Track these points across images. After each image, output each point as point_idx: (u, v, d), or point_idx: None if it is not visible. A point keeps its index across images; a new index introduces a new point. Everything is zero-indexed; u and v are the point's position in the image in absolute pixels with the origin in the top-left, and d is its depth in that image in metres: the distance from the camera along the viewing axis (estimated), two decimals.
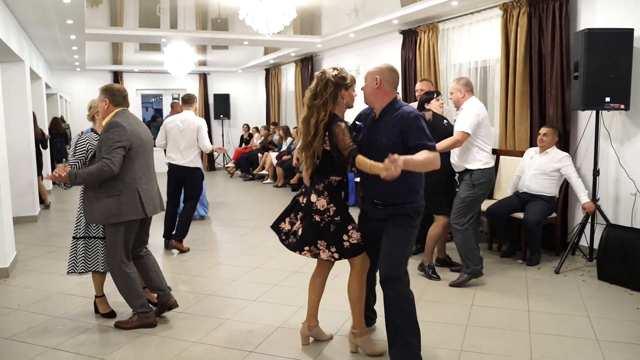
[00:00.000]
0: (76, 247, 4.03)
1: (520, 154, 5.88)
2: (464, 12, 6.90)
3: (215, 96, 14.76)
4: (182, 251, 6.06)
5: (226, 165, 14.20)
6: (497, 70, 6.51)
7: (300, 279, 4.84)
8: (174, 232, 6.12)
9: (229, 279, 5.07)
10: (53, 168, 9.25)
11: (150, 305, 3.98)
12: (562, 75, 5.54)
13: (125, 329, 3.80)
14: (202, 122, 6.11)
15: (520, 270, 5.14)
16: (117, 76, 13.89)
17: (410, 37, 7.93)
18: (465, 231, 4.63)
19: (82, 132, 4.12)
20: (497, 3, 6.27)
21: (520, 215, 5.37)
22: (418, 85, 5.92)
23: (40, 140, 8.90)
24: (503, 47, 6.20)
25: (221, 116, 14.73)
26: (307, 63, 11.45)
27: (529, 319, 3.93)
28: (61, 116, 13.09)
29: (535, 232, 5.23)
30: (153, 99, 20.92)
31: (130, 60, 13.30)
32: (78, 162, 3.83)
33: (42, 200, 9.29)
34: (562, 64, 5.53)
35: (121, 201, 3.64)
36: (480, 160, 4.66)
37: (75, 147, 3.88)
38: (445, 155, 4.52)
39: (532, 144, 5.84)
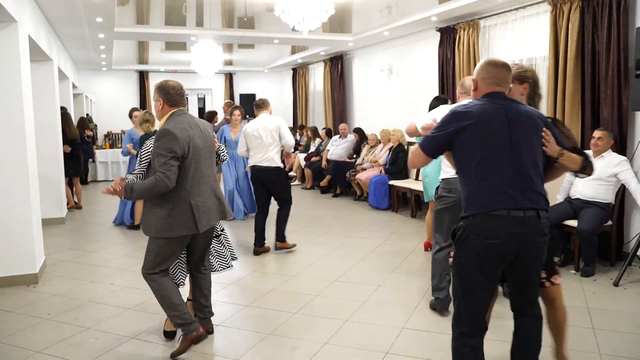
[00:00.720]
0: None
1: None
2: (508, 8, 6.58)
3: (242, 96, 14.59)
4: (289, 248, 6.04)
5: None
6: (544, 68, 6.18)
7: (390, 280, 4.60)
8: (275, 237, 6.05)
9: (320, 279, 4.90)
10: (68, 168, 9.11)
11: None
12: (619, 74, 5.20)
13: (180, 353, 3.40)
14: (281, 120, 6.10)
15: (575, 282, 4.81)
16: (143, 76, 13.79)
17: (448, 34, 7.62)
18: None
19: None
20: None
21: (573, 222, 5.04)
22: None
23: (75, 141, 8.68)
24: (552, 45, 5.86)
25: (247, 116, 14.47)
26: (336, 62, 11.18)
27: (596, 339, 3.60)
28: (88, 115, 13.02)
29: (590, 241, 4.90)
30: None
31: (156, 60, 13.18)
32: (144, 171, 3.44)
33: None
34: (619, 62, 5.18)
35: (172, 214, 3.26)
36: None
37: (142, 154, 3.49)
38: None
39: (584, 147, 5.49)
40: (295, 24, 5.69)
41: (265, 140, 5.84)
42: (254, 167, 5.95)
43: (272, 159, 5.84)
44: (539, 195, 2.45)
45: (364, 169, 9.10)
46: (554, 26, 5.83)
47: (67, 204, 8.89)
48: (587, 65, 5.49)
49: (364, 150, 9.66)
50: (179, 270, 3.71)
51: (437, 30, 7.84)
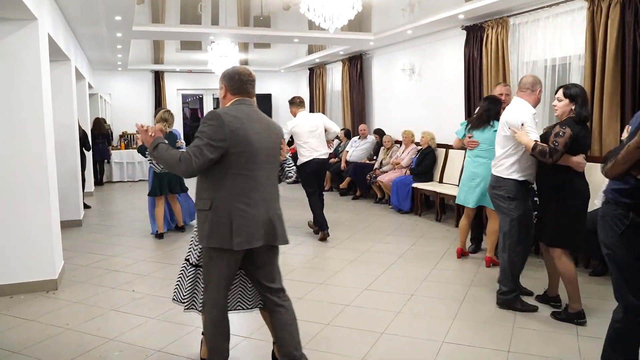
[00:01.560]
0: (185, 273, 3.13)
1: None
2: (539, 5, 6.33)
3: (257, 96, 14.34)
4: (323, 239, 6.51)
5: None
6: (580, 68, 5.94)
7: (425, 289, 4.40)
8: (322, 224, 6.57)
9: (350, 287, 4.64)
10: (95, 169, 9.01)
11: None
12: None
13: None
14: (319, 114, 7.19)
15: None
16: (158, 76, 13.66)
17: (475, 33, 7.38)
18: None
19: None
20: None
21: None
22: (500, 89, 5.36)
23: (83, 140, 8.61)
24: (589, 43, 5.61)
25: None
26: (355, 62, 10.97)
27: None
28: (102, 118, 12.93)
29: None
30: (189, 99, 20.76)
31: (171, 60, 13.03)
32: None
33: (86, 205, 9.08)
34: None
35: (209, 219, 2.73)
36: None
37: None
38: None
39: None
40: (322, 22, 5.48)
41: (321, 134, 6.51)
42: (313, 161, 6.44)
43: (326, 151, 6.60)
44: None
45: (384, 172, 8.88)
46: (591, 23, 5.58)
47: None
48: (628, 65, 5.24)
49: (381, 152, 9.44)
50: (239, 297, 3.10)
51: (462, 29, 7.61)
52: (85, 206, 9.00)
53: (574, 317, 3.87)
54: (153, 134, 2.80)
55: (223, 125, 2.66)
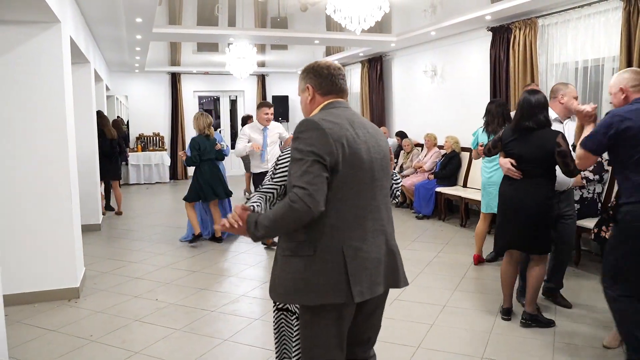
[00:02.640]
0: (278, 320, 2.64)
1: None
2: (570, 5, 6.14)
3: (274, 98, 14.30)
4: None
5: None
6: (613, 70, 5.74)
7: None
8: None
9: None
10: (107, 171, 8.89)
11: None
12: None
13: None
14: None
15: None
16: (175, 78, 13.60)
17: (501, 34, 7.20)
18: None
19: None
20: None
21: None
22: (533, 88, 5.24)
23: (113, 141, 8.47)
24: (624, 44, 5.41)
25: (280, 118, 14.24)
26: (375, 63, 10.81)
27: None
28: (119, 117, 12.90)
29: None
30: (203, 100, 20.70)
31: (188, 62, 12.97)
32: (276, 190, 2.32)
33: (110, 207, 9.03)
34: None
35: (312, 267, 2.00)
36: None
37: (277, 164, 2.37)
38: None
39: None
40: (348, 24, 5.34)
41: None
42: None
43: None
44: None
45: (405, 176, 8.71)
46: (627, 24, 5.37)
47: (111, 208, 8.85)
48: None
49: (401, 156, 9.28)
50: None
51: (488, 30, 7.42)
52: (110, 208, 8.97)
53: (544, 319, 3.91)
54: (241, 222, 2.03)
55: (325, 134, 1.96)
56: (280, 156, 2.37)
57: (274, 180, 2.32)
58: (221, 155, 6.75)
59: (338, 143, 1.97)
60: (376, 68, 10.79)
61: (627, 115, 2.93)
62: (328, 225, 2.00)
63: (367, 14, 5.23)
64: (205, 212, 6.84)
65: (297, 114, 14.42)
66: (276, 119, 14.19)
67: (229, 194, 6.76)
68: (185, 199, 6.58)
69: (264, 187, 2.32)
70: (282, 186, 2.30)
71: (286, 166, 2.24)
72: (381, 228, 2.13)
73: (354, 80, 12.26)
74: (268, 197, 2.29)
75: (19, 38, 4.37)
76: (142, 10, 6.06)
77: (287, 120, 14.42)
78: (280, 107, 14.31)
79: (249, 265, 5.69)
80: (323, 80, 2.19)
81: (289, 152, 2.11)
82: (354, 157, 2.01)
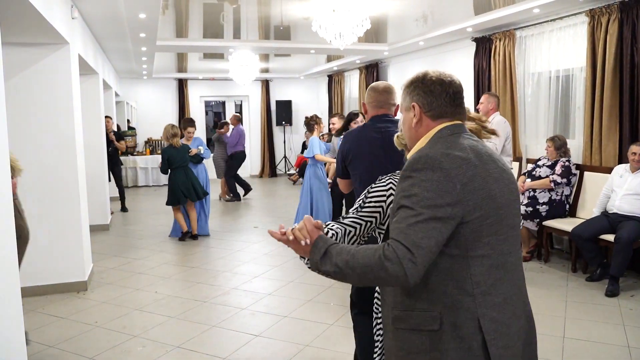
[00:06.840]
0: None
1: (608, 170, 5.51)
2: (544, 18, 6.56)
3: (278, 102, 14.81)
4: None
5: (288, 173, 14.33)
6: (581, 80, 6.15)
7: None
8: None
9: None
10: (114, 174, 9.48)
11: None
12: None
13: None
14: None
15: (612, 298, 4.78)
16: (181, 84, 14.15)
17: (484, 44, 7.63)
18: None
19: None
20: (582, 9, 5.91)
21: (609, 237, 5.01)
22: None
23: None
24: (589, 56, 5.83)
25: (283, 122, 14.77)
26: (372, 70, 11.28)
27: (631, 357, 3.62)
28: (128, 122, 13.49)
29: (626, 250, 4.80)
30: (213, 103, 21.26)
31: (194, 68, 13.52)
32: (362, 224, 1.86)
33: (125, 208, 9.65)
34: None
35: (442, 347, 1.54)
36: None
37: (368, 194, 1.89)
38: None
39: (621, 160, 5.46)
40: (332, 39, 5.81)
41: None
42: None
43: None
44: None
45: None
46: (592, 37, 5.80)
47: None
48: (626, 78, 5.44)
49: None
50: None
51: (472, 40, 7.86)
52: (124, 209, 9.54)
53: None
54: (309, 240, 1.59)
55: (450, 178, 1.49)
56: (374, 186, 1.90)
57: (360, 214, 1.86)
58: (198, 158, 7.53)
59: (468, 187, 1.51)
60: (373, 74, 11.25)
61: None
62: (457, 290, 1.54)
63: (348, 31, 5.68)
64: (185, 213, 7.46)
65: (300, 118, 14.88)
66: (279, 123, 14.79)
67: (200, 196, 7.31)
68: (167, 204, 7.25)
69: (346, 218, 1.86)
70: (369, 223, 1.86)
71: (379, 200, 1.85)
72: (519, 291, 1.66)
73: (353, 85, 12.73)
74: (348, 231, 1.83)
75: (33, 58, 4.91)
76: (145, 26, 6.57)
77: (291, 124, 14.92)
78: (284, 112, 14.83)
79: (242, 262, 6.18)
80: (437, 99, 1.67)
81: (385, 181, 1.87)
82: (489, 202, 1.54)
